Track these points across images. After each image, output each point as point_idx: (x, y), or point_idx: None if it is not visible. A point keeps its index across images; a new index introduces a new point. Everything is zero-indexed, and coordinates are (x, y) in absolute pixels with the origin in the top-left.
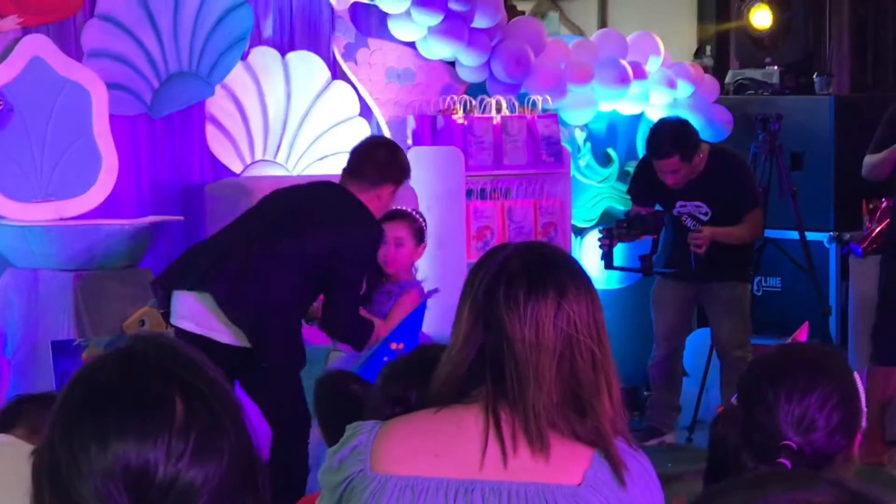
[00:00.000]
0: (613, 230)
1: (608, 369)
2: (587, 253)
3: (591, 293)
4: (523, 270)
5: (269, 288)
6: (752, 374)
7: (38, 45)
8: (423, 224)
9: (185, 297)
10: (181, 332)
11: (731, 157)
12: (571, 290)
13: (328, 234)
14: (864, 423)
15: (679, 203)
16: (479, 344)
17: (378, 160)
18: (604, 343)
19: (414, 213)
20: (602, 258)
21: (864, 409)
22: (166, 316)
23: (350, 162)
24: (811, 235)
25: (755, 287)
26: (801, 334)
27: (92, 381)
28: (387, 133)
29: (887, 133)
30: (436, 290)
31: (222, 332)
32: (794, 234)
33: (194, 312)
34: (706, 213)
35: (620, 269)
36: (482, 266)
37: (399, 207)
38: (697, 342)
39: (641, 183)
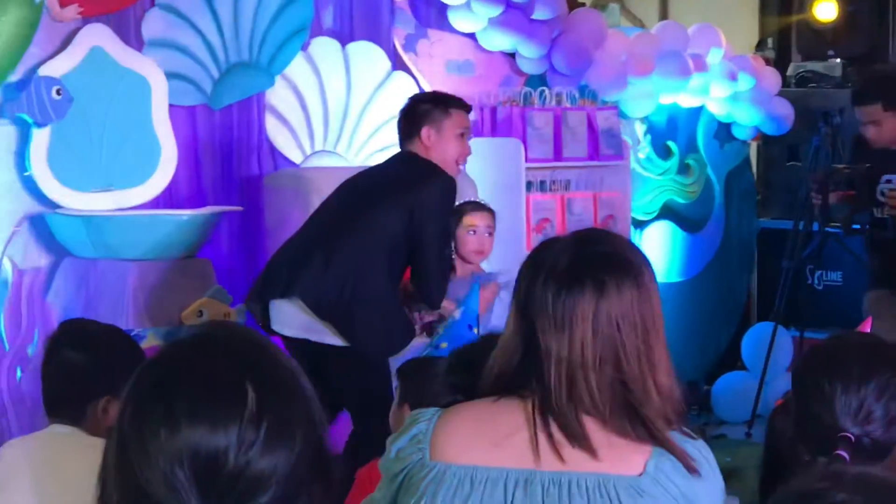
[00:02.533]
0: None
1: (656, 363)
2: (647, 246)
3: (640, 286)
4: (561, 270)
5: (353, 274)
6: (806, 365)
7: (99, 35)
8: (493, 217)
9: (278, 304)
10: (283, 339)
11: None
12: (613, 287)
13: (400, 200)
14: None
15: (884, 178)
16: (524, 341)
17: (405, 112)
18: (651, 338)
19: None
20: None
21: None
22: (265, 326)
23: (399, 129)
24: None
25: (815, 281)
26: (865, 327)
27: (164, 366)
28: None
29: None
30: (511, 281)
31: (322, 332)
32: (857, 228)
33: (290, 318)
34: None
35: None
36: (528, 262)
37: (475, 200)
38: (756, 336)
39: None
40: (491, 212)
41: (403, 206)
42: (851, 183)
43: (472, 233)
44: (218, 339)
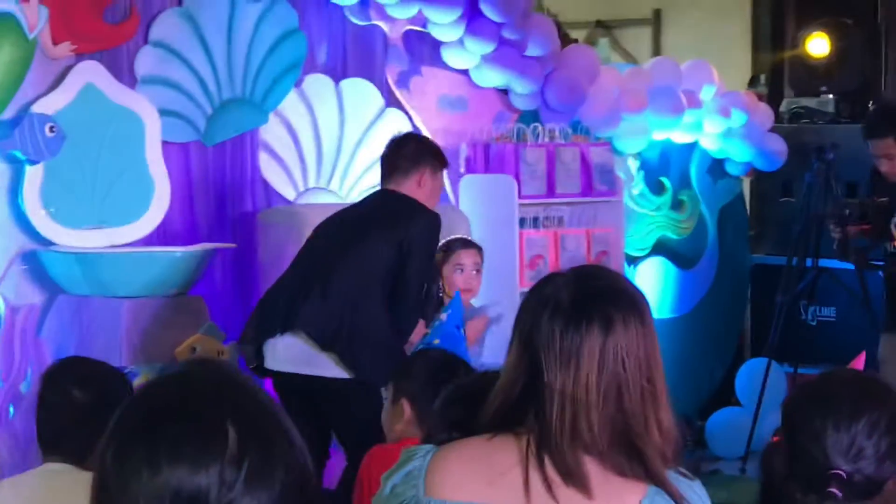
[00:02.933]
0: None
1: (659, 401)
2: (640, 282)
3: (644, 323)
4: (567, 305)
5: (351, 304)
6: (797, 402)
7: (92, 72)
8: (481, 256)
9: (275, 341)
10: (277, 378)
11: None
12: (619, 323)
13: (389, 235)
14: None
15: None
16: (526, 377)
17: (407, 150)
18: (654, 376)
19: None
20: (837, 247)
21: None
22: (258, 370)
23: (382, 166)
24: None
25: (809, 317)
26: (858, 363)
27: (146, 405)
28: None
29: None
30: (501, 315)
31: (322, 366)
32: (850, 264)
33: (289, 352)
34: None
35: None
36: (531, 296)
37: (464, 237)
38: (750, 371)
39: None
40: (479, 249)
41: (393, 239)
42: (865, 216)
43: (459, 271)
44: (199, 377)
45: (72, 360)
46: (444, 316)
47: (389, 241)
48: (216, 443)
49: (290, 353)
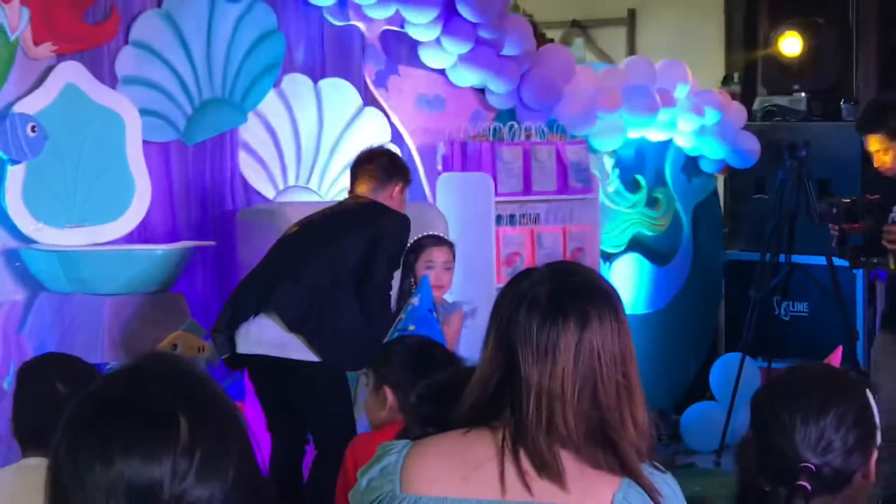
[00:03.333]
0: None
1: (634, 395)
2: (616, 278)
3: (619, 319)
4: (544, 300)
5: (322, 291)
6: (766, 396)
7: (73, 72)
8: (453, 252)
9: (248, 325)
10: (249, 358)
11: None
12: (595, 318)
13: (363, 230)
14: (879, 441)
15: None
16: (502, 371)
17: (382, 163)
18: (630, 370)
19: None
20: (836, 245)
21: (880, 426)
22: (229, 361)
23: (356, 174)
24: (838, 261)
25: (782, 312)
26: (835, 358)
27: (98, 398)
28: (417, 160)
29: None
30: (475, 309)
31: (292, 348)
32: (822, 260)
33: (261, 335)
34: None
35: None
36: (507, 291)
37: (436, 233)
38: (724, 366)
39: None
40: (450, 246)
41: (366, 234)
42: (854, 214)
43: (429, 268)
44: (152, 370)
45: (53, 356)
46: (415, 300)
47: (363, 236)
48: (168, 433)
49: (261, 335)
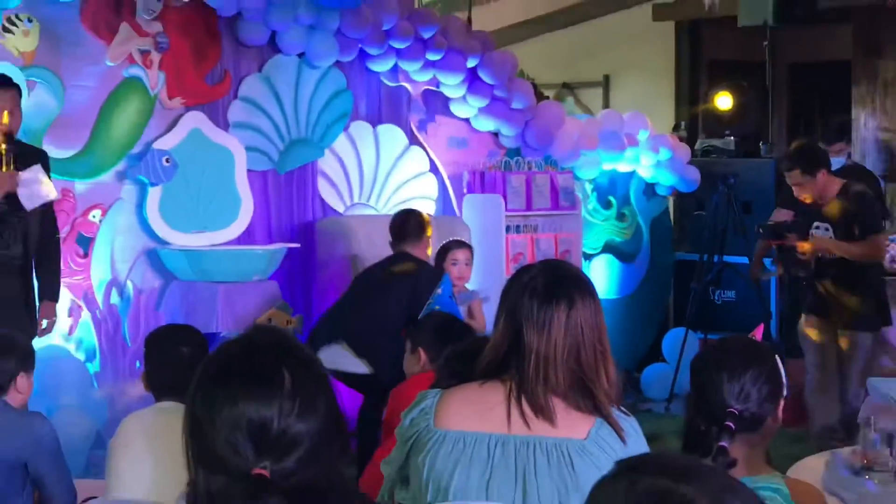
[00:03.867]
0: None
1: (607, 358)
2: (594, 273)
3: (596, 302)
4: (542, 287)
5: (380, 326)
6: (702, 360)
7: (196, 120)
8: (472, 252)
9: (327, 348)
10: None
11: (861, 191)
12: (579, 301)
13: (407, 283)
14: (785, 393)
15: (814, 224)
16: (510, 340)
17: (413, 224)
18: (604, 338)
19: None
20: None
21: (786, 383)
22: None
23: (397, 232)
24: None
25: (716, 298)
26: (758, 332)
27: (223, 359)
28: (448, 184)
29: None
30: (488, 297)
31: (351, 364)
32: (745, 260)
33: (333, 357)
34: (830, 237)
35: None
36: (514, 281)
37: (460, 238)
38: (673, 337)
39: (790, 197)
40: (469, 248)
41: (410, 285)
42: (779, 233)
43: (454, 264)
44: (261, 338)
45: (178, 326)
46: (439, 290)
47: (408, 287)
48: (276, 385)
49: (331, 356)
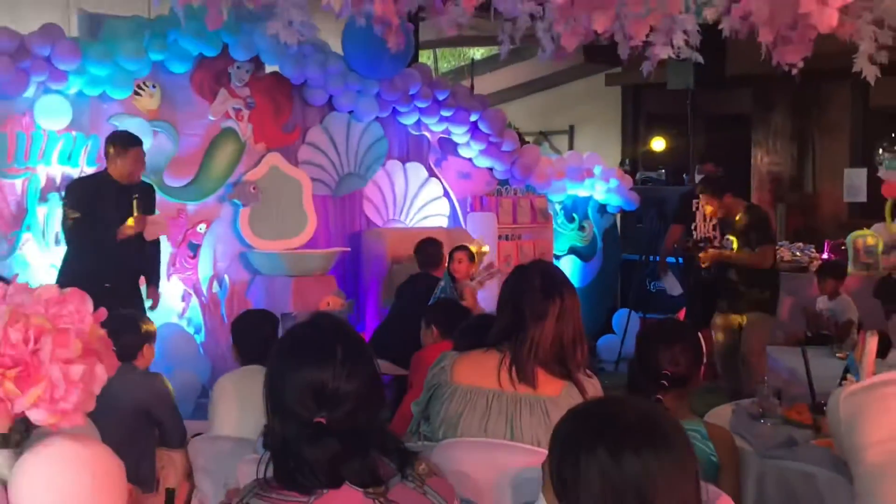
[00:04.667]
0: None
1: (582, 339)
2: (562, 268)
3: (574, 292)
4: (540, 285)
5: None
6: (644, 335)
7: (275, 159)
8: (472, 253)
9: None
10: None
11: (757, 210)
12: (567, 294)
13: (425, 299)
14: (704, 360)
15: (725, 237)
16: (510, 322)
17: (436, 255)
18: (579, 323)
19: (470, 247)
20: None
21: (705, 351)
22: None
23: (424, 260)
24: (680, 261)
25: (651, 287)
26: (681, 314)
27: (293, 337)
28: (457, 206)
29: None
30: (499, 271)
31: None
32: (672, 260)
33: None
34: (730, 247)
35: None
36: (517, 277)
37: (463, 244)
38: (620, 316)
39: (684, 215)
40: (467, 250)
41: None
42: (697, 245)
43: (459, 262)
44: (320, 321)
45: (259, 310)
46: (442, 282)
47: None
48: (331, 354)
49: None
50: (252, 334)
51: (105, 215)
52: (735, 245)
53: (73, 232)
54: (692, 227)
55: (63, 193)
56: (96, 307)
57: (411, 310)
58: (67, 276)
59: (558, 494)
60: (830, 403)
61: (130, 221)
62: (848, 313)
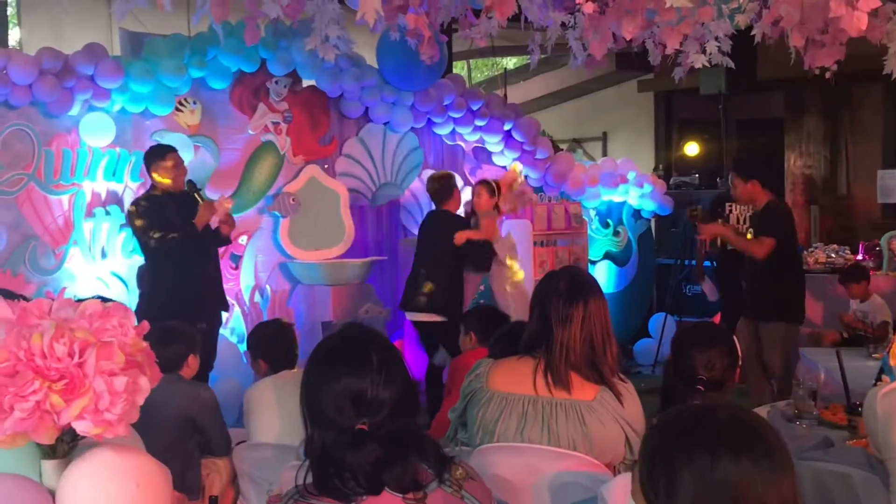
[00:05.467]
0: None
1: (611, 341)
2: (598, 274)
3: (604, 301)
4: (565, 290)
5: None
6: (679, 338)
7: (313, 170)
8: (496, 186)
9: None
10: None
11: (775, 205)
12: (592, 299)
13: (448, 231)
14: (739, 363)
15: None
16: (541, 328)
17: (447, 184)
18: (608, 324)
19: (492, 181)
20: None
21: (740, 355)
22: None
23: (435, 194)
24: (714, 263)
25: (687, 291)
26: (717, 318)
27: (328, 347)
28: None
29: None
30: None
31: (428, 316)
32: (708, 263)
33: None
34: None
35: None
36: (543, 283)
37: (484, 179)
38: (656, 319)
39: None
40: (488, 185)
41: (450, 233)
42: (693, 213)
43: (478, 196)
44: (355, 331)
45: (269, 322)
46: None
47: (449, 235)
48: (368, 362)
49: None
50: (270, 345)
51: (175, 223)
52: (749, 236)
53: (158, 250)
54: None
55: (131, 217)
56: (182, 318)
57: (437, 250)
58: (155, 291)
59: (650, 502)
60: (866, 403)
61: (202, 211)
62: (881, 314)
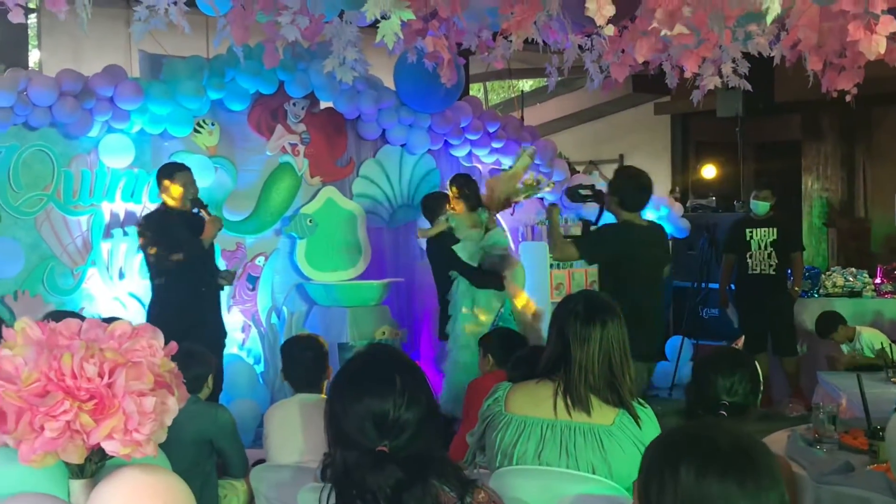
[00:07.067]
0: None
1: (628, 363)
2: None
3: (621, 321)
4: (583, 312)
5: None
6: (701, 363)
7: (330, 192)
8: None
9: None
10: None
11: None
12: (610, 322)
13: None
14: (762, 388)
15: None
16: (559, 350)
17: (441, 205)
18: (626, 347)
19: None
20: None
21: (762, 382)
22: None
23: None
24: (733, 287)
25: (704, 314)
26: (740, 342)
27: (352, 369)
28: (509, 236)
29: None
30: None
31: None
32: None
33: None
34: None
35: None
36: (562, 306)
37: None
38: (673, 342)
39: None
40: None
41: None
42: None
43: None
44: (378, 352)
45: (309, 335)
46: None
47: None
48: (390, 384)
49: None
50: (294, 363)
51: (182, 239)
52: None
53: (158, 265)
54: (747, 256)
55: (139, 233)
56: (187, 337)
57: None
58: (159, 308)
59: None
60: (889, 427)
61: (208, 226)
62: (875, 342)
